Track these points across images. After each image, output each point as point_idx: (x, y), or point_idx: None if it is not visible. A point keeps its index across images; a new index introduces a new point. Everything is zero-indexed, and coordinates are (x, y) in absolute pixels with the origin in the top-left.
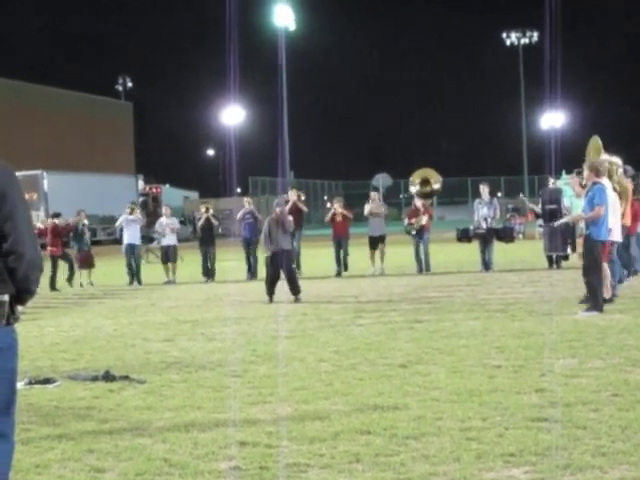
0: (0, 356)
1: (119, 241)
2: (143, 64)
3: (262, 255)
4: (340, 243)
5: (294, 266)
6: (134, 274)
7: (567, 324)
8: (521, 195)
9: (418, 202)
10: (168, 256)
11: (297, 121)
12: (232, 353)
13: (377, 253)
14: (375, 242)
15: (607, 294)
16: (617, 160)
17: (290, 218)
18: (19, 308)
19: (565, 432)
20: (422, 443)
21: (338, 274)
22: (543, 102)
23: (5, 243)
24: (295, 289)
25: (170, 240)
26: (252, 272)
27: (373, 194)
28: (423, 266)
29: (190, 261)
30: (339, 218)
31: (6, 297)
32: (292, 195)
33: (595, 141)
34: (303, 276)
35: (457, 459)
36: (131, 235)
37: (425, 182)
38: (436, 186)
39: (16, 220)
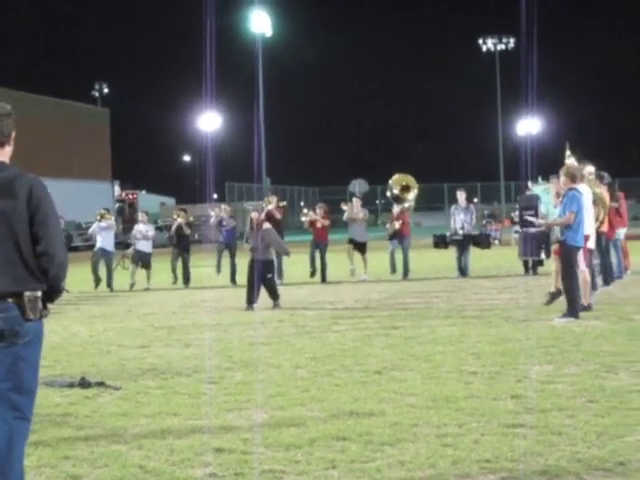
0: (32, 346)
1: (94, 247)
2: (119, 70)
3: (240, 260)
4: (319, 249)
5: (270, 275)
6: (99, 279)
7: (543, 330)
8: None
9: (396, 208)
10: (142, 261)
11: (274, 127)
12: (208, 360)
13: (357, 258)
14: (355, 245)
15: (585, 301)
16: (589, 167)
17: (268, 226)
18: (48, 305)
19: (541, 438)
20: (398, 449)
21: (313, 274)
22: (519, 108)
23: (39, 246)
24: (274, 295)
25: (145, 247)
26: (233, 278)
27: (354, 200)
28: (401, 271)
29: (165, 268)
30: (319, 224)
31: (39, 293)
32: (268, 202)
33: (565, 148)
34: (285, 283)
35: (433, 465)
36: (104, 241)
37: (403, 188)
38: (411, 195)
39: (49, 226)
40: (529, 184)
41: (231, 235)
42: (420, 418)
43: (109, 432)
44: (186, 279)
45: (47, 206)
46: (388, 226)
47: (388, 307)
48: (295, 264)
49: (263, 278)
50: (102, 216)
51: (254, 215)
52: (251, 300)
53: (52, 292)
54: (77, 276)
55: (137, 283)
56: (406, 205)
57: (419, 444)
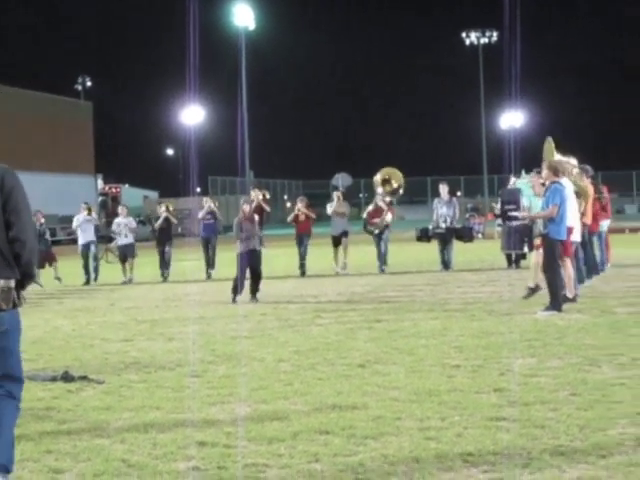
0: (9, 334)
1: (77, 241)
2: (103, 64)
3: (224, 253)
4: (302, 240)
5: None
6: (90, 274)
7: (526, 324)
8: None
9: (380, 202)
10: (126, 255)
11: (257, 120)
12: (191, 353)
13: (340, 249)
14: (338, 240)
15: (570, 293)
16: (573, 160)
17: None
18: (23, 294)
19: (524, 431)
20: (381, 443)
21: (303, 274)
22: (502, 102)
23: (11, 232)
24: (256, 289)
25: (127, 239)
26: (210, 272)
27: (337, 194)
28: (382, 262)
29: (148, 261)
30: (302, 217)
31: (13, 283)
32: (256, 195)
33: (548, 144)
34: (267, 276)
35: (416, 459)
36: (86, 235)
37: (388, 181)
38: (399, 184)
39: (20, 213)
40: (512, 179)
41: (211, 229)
42: (403, 412)
43: (92, 426)
44: (167, 271)
45: (19, 194)
46: (376, 220)
47: (371, 300)
48: (278, 257)
49: (259, 268)
50: (89, 210)
51: (246, 208)
52: (237, 291)
53: (25, 277)
54: (60, 270)
55: (121, 276)
56: (387, 198)
57: (402, 438)
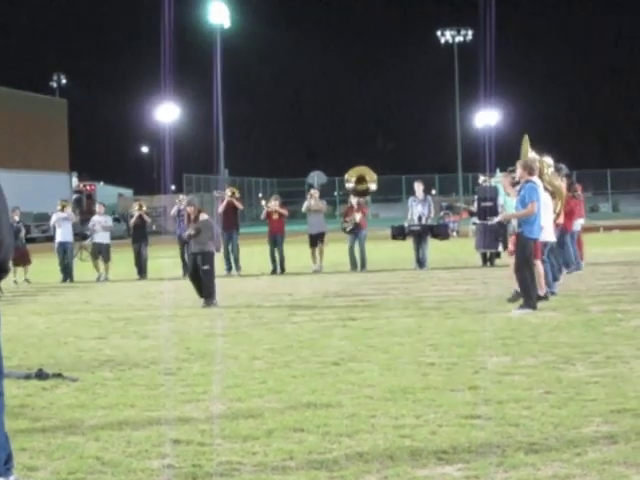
0: None
1: (53, 238)
2: (78, 61)
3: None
4: (276, 241)
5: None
6: (67, 272)
7: (500, 322)
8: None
9: (353, 200)
10: (101, 253)
11: (232, 118)
12: (165, 351)
13: (317, 250)
14: (315, 240)
15: (541, 291)
16: (548, 159)
17: (205, 217)
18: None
19: (498, 429)
20: (355, 441)
21: (274, 271)
22: (477, 100)
23: None
24: (205, 294)
25: (103, 238)
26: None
27: (313, 191)
28: (358, 263)
29: (123, 259)
30: (275, 216)
31: None
32: (227, 193)
33: (524, 141)
34: (242, 274)
35: (390, 457)
36: (63, 233)
37: (360, 180)
38: (372, 185)
39: None
40: (481, 178)
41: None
42: (377, 409)
43: (66, 424)
44: (144, 270)
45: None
46: (348, 219)
47: (346, 298)
48: (253, 255)
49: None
50: (63, 207)
51: (190, 209)
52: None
53: (0, 274)
54: (33, 267)
55: (94, 271)
56: (354, 200)
57: (376, 435)
